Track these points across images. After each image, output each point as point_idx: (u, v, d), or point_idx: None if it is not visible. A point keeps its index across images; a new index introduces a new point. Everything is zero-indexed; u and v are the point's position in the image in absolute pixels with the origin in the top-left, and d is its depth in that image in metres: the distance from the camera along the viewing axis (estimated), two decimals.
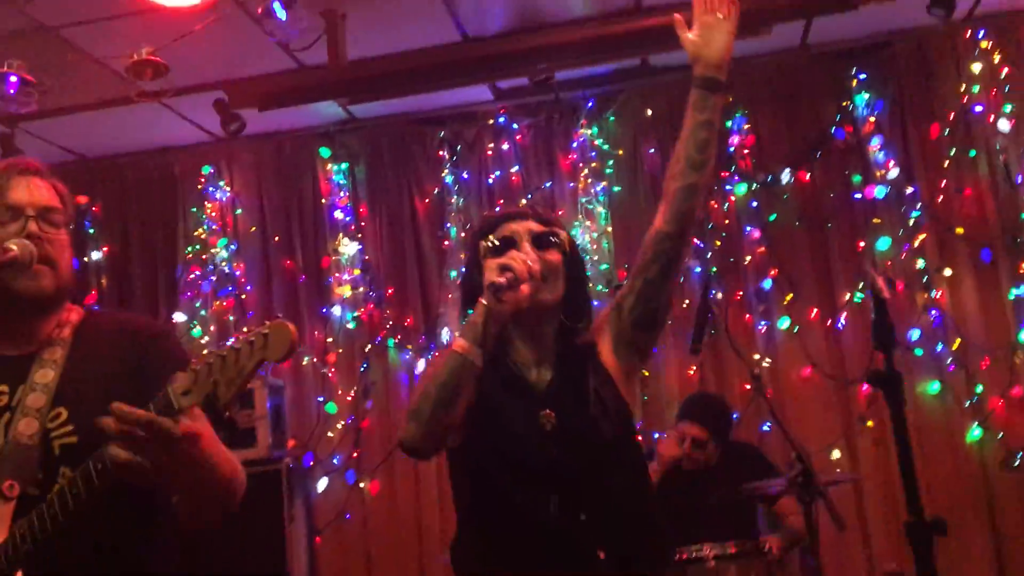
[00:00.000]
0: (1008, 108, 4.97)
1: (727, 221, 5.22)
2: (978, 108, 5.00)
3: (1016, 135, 4.96)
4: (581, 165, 5.35)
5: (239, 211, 5.73)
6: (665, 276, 1.98)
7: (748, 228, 5.21)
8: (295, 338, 1.56)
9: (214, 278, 5.63)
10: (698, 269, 5.22)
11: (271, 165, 5.76)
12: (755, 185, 5.22)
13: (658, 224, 2.02)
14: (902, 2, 4.60)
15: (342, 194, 5.62)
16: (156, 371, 1.76)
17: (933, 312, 4.93)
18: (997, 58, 5.01)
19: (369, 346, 5.46)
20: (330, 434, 5.41)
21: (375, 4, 4.28)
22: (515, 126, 5.48)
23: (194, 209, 5.74)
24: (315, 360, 5.50)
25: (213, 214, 5.69)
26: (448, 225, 5.49)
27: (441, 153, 5.55)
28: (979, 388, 4.82)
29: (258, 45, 4.48)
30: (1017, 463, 4.71)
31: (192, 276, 5.65)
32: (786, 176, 5.21)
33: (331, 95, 4.44)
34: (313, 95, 4.43)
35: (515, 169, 5.46)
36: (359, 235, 5.57)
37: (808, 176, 5.20)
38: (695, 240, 5.19)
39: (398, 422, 5.36)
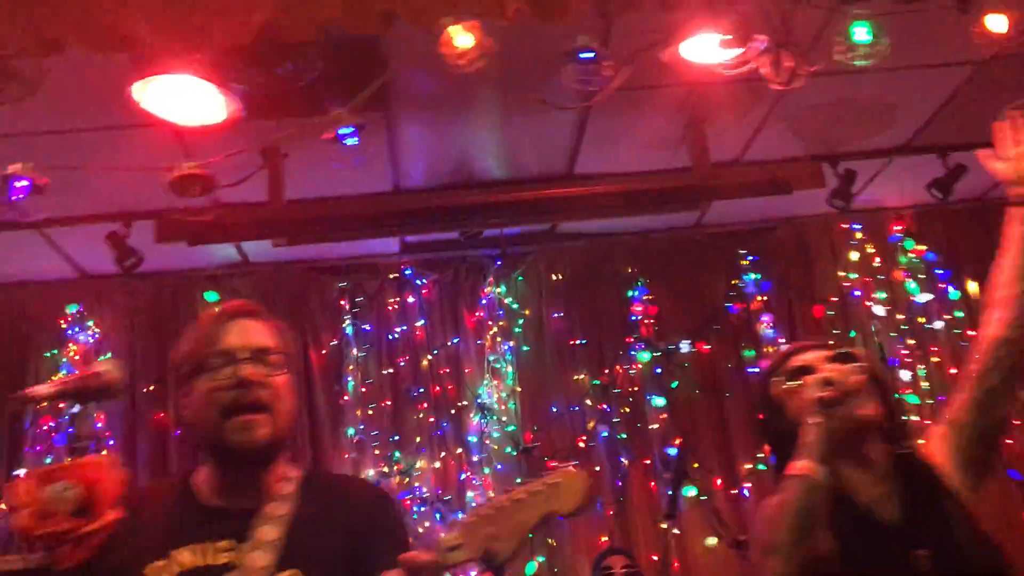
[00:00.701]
0: (881, 295, 5.45)
1: (633, 388, 5.27)
2: (856, 293, 5.45)
3: (889, 320, 5.43)
4: (489, 323, 5.28)
5: (105, 357, 5.14)
6: (1007, 384, 1.90)
7: (651, 396, 5.28)
8: (588, 488, 1.42)
9: (71, 430, 4.94)
10: (605, 434, 5.19)
11: (146, 308, 5.27)
12: (658, 353, 5.34)
13: (995, 332, 1.95)
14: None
15: None
16: (374, 537, 1.71)
17: None
18: (870, 249, 5.53)
19: None
20: None
21: (315, 146, 4.11)
22: (421, 281, 5.36)
23: (53, 352, 5.10)
24: None
25: (76, 358, 5.08)
26: (346, 379, 5.18)
27: (342, 303, 5.31)
28: None
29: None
30: None
31: (43, 428, 4.94)
32: (686, 346, 5.36)
33: (270, 234, 4.16)
34: (250, 233, 4.13)
35: (420, 324, 5.30)
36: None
37: (706, 347, 5.38)
38: (603, 405, 5.21)
39: None
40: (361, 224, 4.19)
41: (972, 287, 5.58)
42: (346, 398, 5.13)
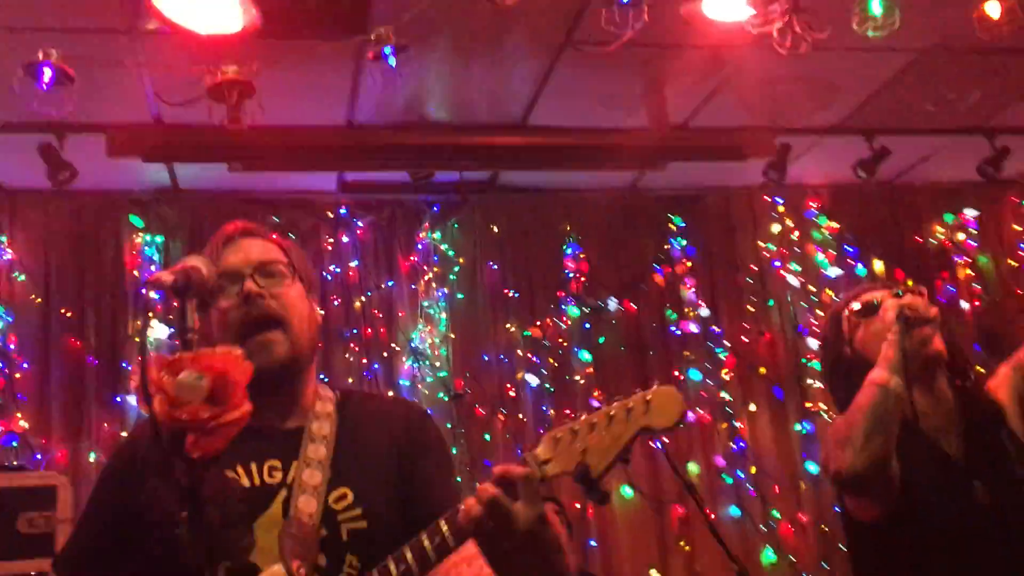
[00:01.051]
0: (796, 268, 5.74)
1: (561, 341, 5.38)
2: (776, 263, 5.72)
3: (802, 291, 5.73)
4: (425, 268, 5.28)
5: (20, 277, 4.87)
6: None
7: (579, 350, 5.40)
8: (684, 406, 1.45)
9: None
10: (533, 384, 5.29)
11: (65, 228, 5.00)
12: (587, 309, 5.46)
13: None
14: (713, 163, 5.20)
15: (153, 269, 5.01)
16: (418, 455, 1.71)
17: (737, 442, 5.41)
18: (789, 223, 5.80)
19: None
20: None
21: (278, 73, 3.99)
22: (357, 221, 5.30)
23: None
24: (103, 458, 4.71)
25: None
26: None
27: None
28: (775, 513, 5.31)
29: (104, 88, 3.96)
30: None
31: None
32: (613, 304, 5.52)
33: (228, 158, 4.00)
34: (208, 155, 3.96)
35: (354, 264, 5.24)
36: (170, 318, 4.96)
37: (633, 307, 5.54)
38: (532, 356, 5.30)
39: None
40: (323, 156, 4.10)
41: (877, 266, 5.94)
42: None
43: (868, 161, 5.15)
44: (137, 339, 4.85)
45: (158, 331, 4.90)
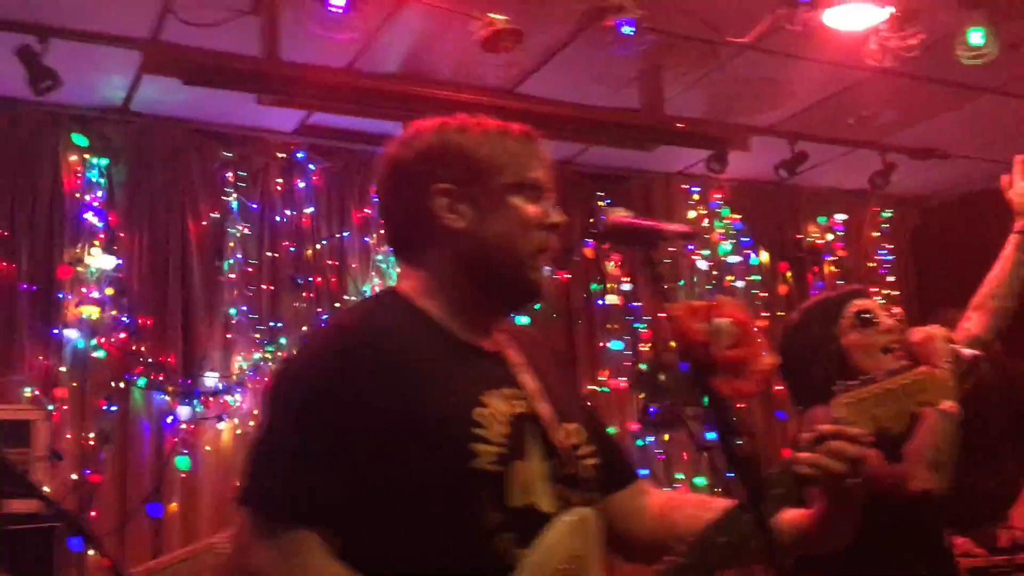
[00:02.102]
0: (706, 253, 6.25)
1: None
2: (689, 247, 6.19)
3: (707, 274, 6.24)
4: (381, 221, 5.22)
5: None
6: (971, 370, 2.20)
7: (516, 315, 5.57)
8: (954, 388, 1.67)
9: None
10: None
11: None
12: None
13: (975, 331, 2.38)
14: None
15: (100, 195, 4.63)
16: (577, 393, 1.70)
17: (651, 410, 5.83)
18: (702, 211, 6.29)
19: (118, 383, 4.49)
20: (47, 488, 4.25)
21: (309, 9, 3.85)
22: (311, 166, 5.16)
23: None
24: (37, 392, 4.33)
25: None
26: (238, 256, 4.87)
27: (226, 175, 4.95)
28: (678, 476, 5.79)
29: None
30: None
31: None
32: (548, 272, 5.73)
33: (266, 90, 3.77)
34: (246, 85, 3.71)
35: (308, 211, 5.11)
36: (114, 247, 4.62)
37: (566, 276, 5.80)
38: None
39: (138, 477, 4.51)
40: (358, 98, 3.97)
41: (764, 256, 6.58)
42: (232, 276, 4.82)
43: (789, 162, 5.71)
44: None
45: (101, 261, 4.59)
